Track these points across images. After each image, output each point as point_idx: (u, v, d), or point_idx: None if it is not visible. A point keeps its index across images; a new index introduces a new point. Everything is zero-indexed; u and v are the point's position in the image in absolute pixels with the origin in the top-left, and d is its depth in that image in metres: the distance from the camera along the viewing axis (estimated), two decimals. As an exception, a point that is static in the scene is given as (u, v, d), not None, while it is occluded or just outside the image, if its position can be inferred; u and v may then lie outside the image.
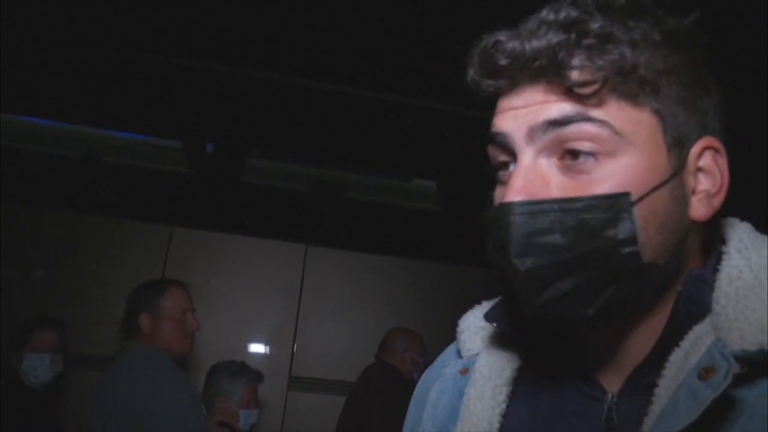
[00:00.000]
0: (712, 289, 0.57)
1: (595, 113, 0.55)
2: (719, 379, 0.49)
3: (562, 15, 0.56)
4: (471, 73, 0.60)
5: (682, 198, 0.58)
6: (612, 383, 0.62)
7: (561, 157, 0.57)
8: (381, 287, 3.59)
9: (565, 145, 0.56)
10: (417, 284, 3.70)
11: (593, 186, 0.55)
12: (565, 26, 0.56)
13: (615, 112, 0.55)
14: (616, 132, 0.55)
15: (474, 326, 0.75)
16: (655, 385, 0.55)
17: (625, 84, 0.55)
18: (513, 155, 0.59)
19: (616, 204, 0.54)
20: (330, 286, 3.60)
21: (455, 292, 3.46)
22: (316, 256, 3.63)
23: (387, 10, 2.53)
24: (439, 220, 4.47)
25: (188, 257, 3.44)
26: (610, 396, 0.61)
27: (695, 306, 0.57)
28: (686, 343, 0.55)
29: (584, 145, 0.55)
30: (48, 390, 2.55)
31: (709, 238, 0.64)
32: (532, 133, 0.57)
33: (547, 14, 0.57)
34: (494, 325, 0.65)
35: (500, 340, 0.70)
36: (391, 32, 2.72)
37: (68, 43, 3.12)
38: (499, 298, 0.69)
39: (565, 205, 0.55)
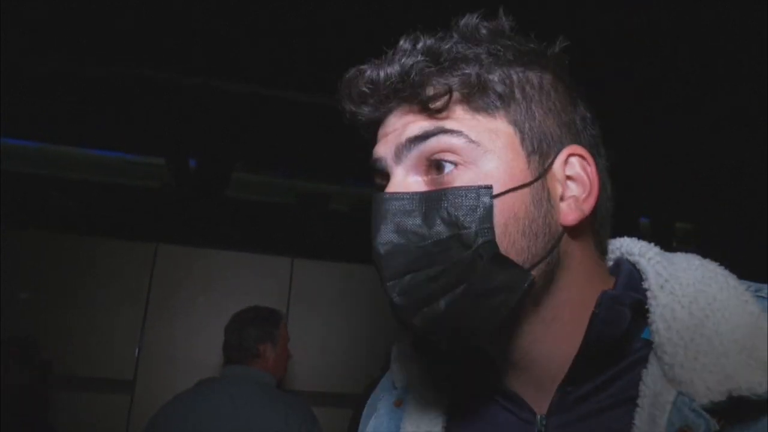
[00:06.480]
0: (626, 307, 0.58)
1: (450, 125, 0.59)
2: None
3: (420, 44, 0.61)
4: (341, 104, 0.65)
5: (547, 202, 0.60)
6: (538, 403, 0.62)
7: (427, 172, 0.60)
8: (369, 297, 3.58)
9: (429, 159, 0.60)
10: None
11: None
12: (420, 51, 0.61)
13: (470, 123, 0.59)
14: (472, 140, 0.58)
15: (403, 355, 0.74)
16: (583, 400, 0.59)
17: (478, 97, 0.60)
18: (389, 178, 0.62)
19: (477, 195, 0.57)
20: (318, 297, 3.59)
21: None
22: (303, 268, 3.62)
23: (369, 23, 2.56)
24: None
25: (174, 274, 3.42)
26: (539, 418, 0.61)
27: (610, 327, 0.58)
28: (645, 401, 0.54)
29: (446, 156, 0.59)
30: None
31: (603, 252, 0.67)
32: (399, 152, 0.61)
33: (404, 43, 0.63)
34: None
35: (430, 369, 0.70)
36: (374, 44, 2.75)
37: (43, 58, 3.09)
38: None
39: (428, 195, 0.59)
